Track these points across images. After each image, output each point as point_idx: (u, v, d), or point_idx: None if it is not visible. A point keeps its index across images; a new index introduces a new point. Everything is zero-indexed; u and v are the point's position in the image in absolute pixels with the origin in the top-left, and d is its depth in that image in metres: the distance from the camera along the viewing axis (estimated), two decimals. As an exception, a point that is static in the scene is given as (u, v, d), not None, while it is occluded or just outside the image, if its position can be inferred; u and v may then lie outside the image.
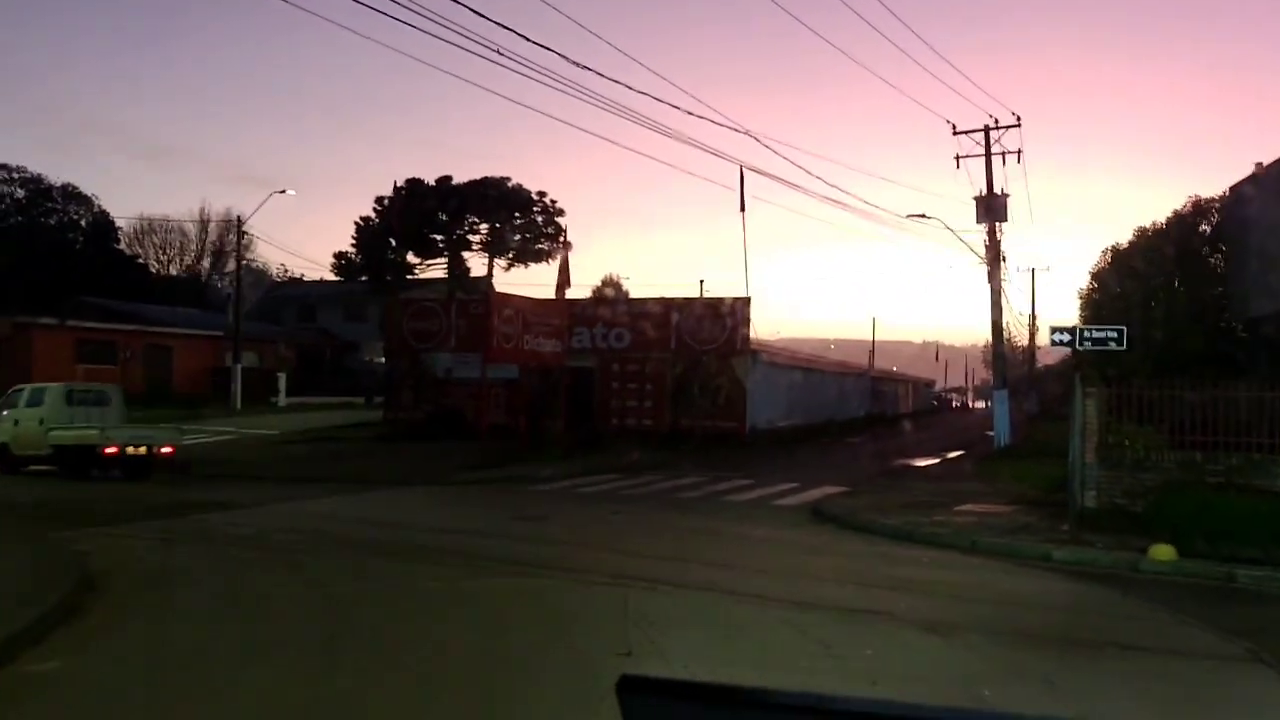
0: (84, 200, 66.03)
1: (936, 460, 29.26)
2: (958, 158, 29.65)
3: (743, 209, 32.86)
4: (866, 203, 26.89)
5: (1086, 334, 16.88)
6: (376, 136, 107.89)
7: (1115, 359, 18.97)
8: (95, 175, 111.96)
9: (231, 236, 73.20)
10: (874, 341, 72.42)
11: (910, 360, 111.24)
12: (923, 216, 28.88)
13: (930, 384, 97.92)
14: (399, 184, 61.27)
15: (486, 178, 60.86)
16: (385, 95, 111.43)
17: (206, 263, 72.52)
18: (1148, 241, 29.18)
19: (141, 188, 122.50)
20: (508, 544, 12.37)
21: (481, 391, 29.82)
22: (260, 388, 41.34)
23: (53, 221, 65.28)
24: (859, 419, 47.96)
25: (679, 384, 32.09)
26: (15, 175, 63.81)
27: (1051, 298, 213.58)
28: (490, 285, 44.36)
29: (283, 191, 40.14)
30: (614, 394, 32.37)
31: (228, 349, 42.57)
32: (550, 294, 31.29)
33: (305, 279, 70.97)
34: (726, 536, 13.67)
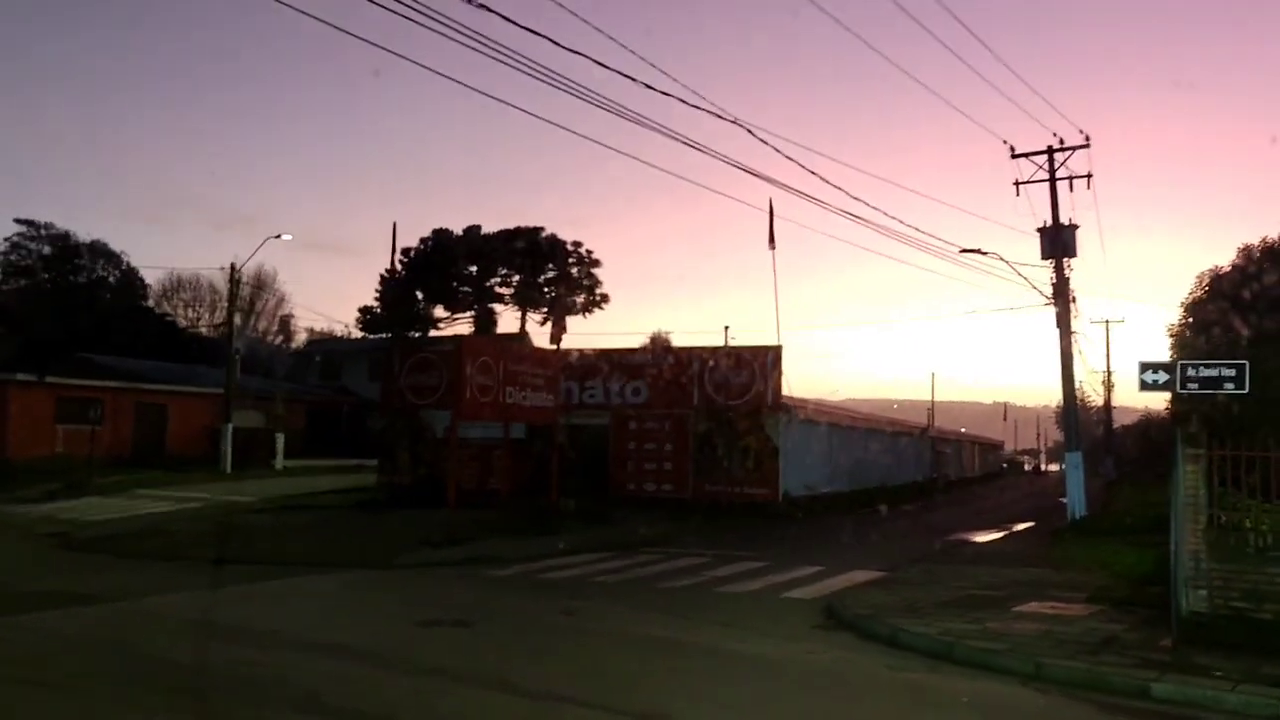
0: (112, 256, 64.84)
1: (999, 534, 25.09)
2: (1017, 184, 25.97)
3: (772, 245, 29.57)
4: (919, 230, 23.21)
5: (1192, 372, 12.84)
6: (409, 189, 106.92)
7: (1224, 410, 15.00)
8: (122, 231, 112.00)
9: (261, 292, 71.87)
10: (933, 397, 67.82)
11: (978, 421, 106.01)
12: (979, 252, 25.11)
13: (998, 446, 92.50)
14: (425, 235, 59.28)
15: (518, 227, 58.37)
16: (418, 148, 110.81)
17: (237, 319, 70.64)
18: (1258, 263, 24.22)
19: (168, 244, 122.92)
20: (382, 674, 8.83)
21: (469, 452, 26.49)
22: (263, 449, 38.44)
23: (81, 279, 64.06)
24: (916, 484, 43.62)
25: (703, 444, 28.40)
26: (43, 232, 62.81)
27: (1126, 353, 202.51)
28: (497, 331, 41.19)
29: (278, 236, 37.65)
30: (629, 455, 28.77)
31: (236, 406, 39.84)
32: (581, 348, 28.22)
33: (334, 336, 69.05)
34: (694, 656, 9.94)
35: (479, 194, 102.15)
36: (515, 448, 27.77)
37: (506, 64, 11.00)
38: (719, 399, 28.11)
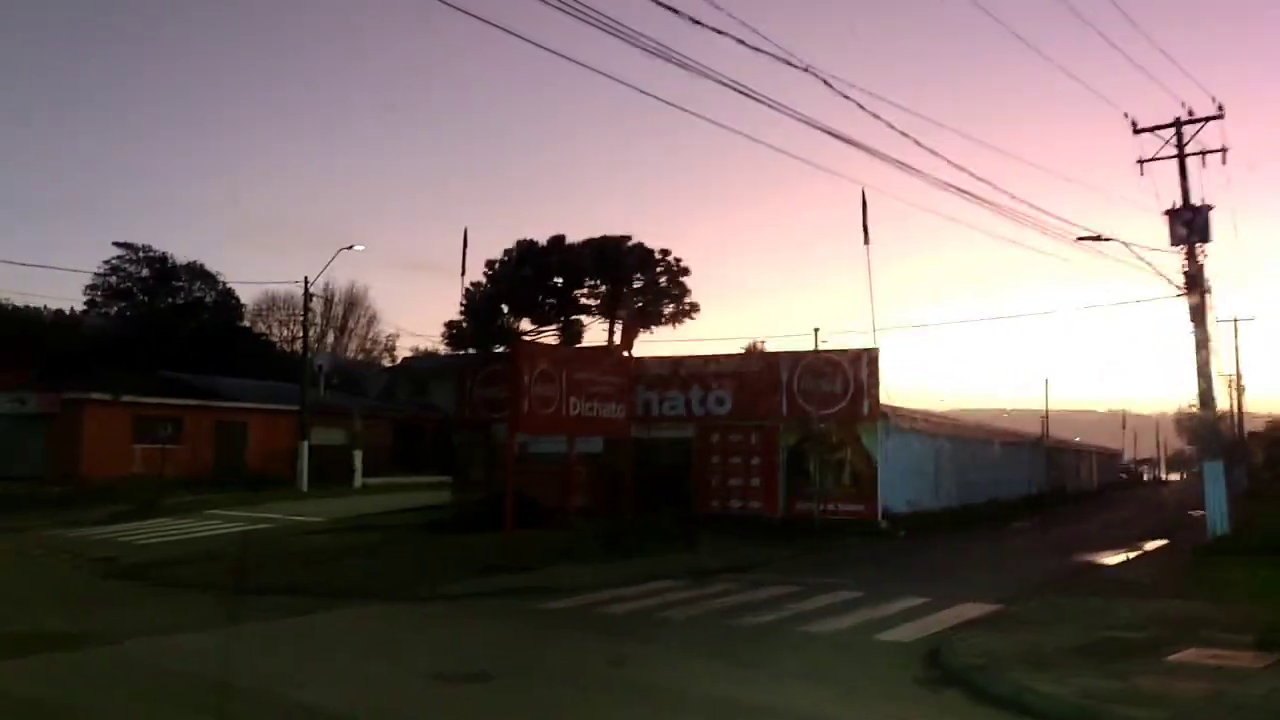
0: (209, 277, 65.53)
1: (1130, 555, 22.30)
2: (1140, 162, 23.20)
3: (866, 240, 27.25)
4: (1031, 206, 20.68)
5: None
6: (497, 203, 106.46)
7: None
8: (219, 252, 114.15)
9: (352, 310, 71.96)
10: (1046, 404, 63.99)
11: (1093, 429, 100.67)
12: (1098, 238, 22.46)
13: (1117, 455, 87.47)
14: (510, 247, 58.15)
15: (605, 236, 56.60)
16: (501, 159, 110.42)
17: (330, 338, 70.90)
18: None
19: (264, 265, 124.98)
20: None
21: (542, 469, 24.86)
22: (343, 467, 37.55)
23: (179, 300, 64.91)
24: (1030, 498, 40.47)
25: (793, 458, 26.21)
26: (142, 255, 63.77)
27: (1259, 353, 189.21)
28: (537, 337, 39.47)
29: (350, 247, 36.34)
30: (713, 470, 26.75)
31: (313, 424, 39.11)
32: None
33: (426, 354, 68.52)
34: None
35: (564, 204, 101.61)
36: (591, 464, 26.05)
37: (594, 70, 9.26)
38: (810, 408, 25.90)
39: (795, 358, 26.78)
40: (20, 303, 55.80)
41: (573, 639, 11.52)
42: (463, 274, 31.14)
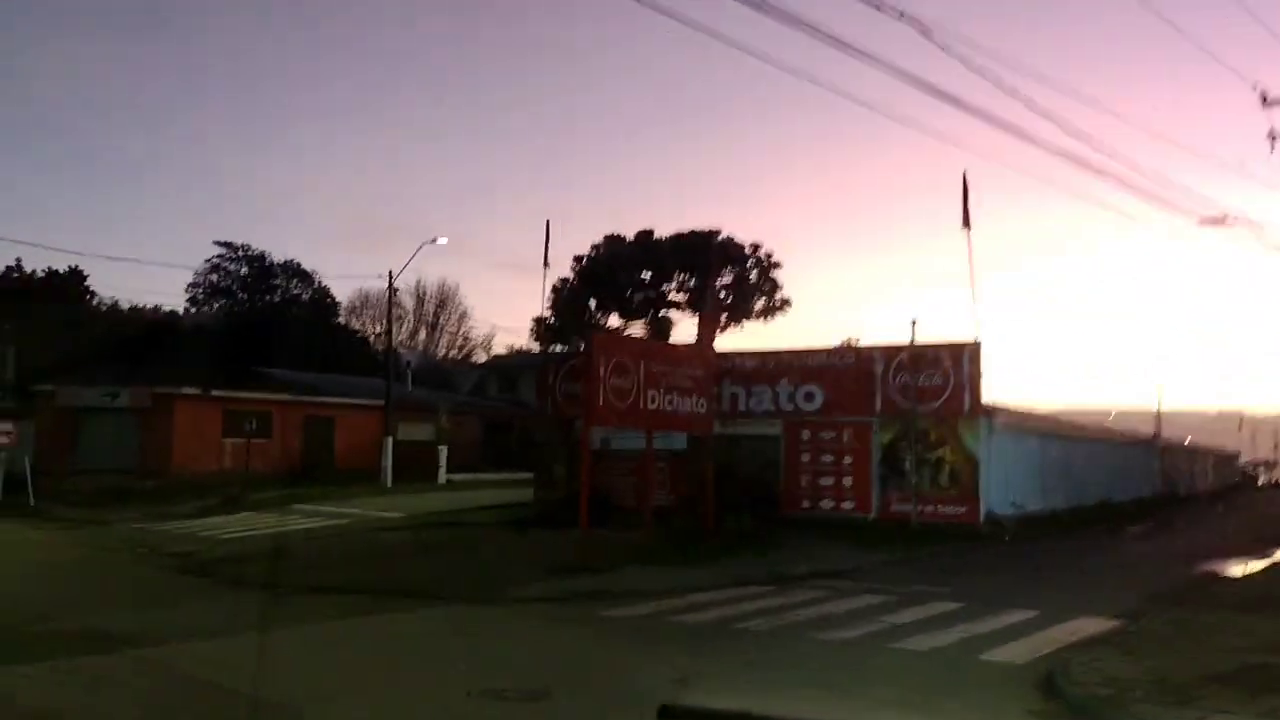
0: (305, 275, 66.45)
1: (1261, 563, 20.41)
2: (1272, 138, 21.21)
3: (967, 224, 25.68)
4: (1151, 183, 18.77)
5: None
6: (588, 196, 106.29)
7: None
8: (315, 252, 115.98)
9: (443, 307, 72.26)
10: (1159, 403, 60.73)
11: (1206, 431, 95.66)
12: (1223, 221, 20.62)
13: (1233, 457, 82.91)
14: (597, 242, 57.49)
15: (693, 231, 55.51)
16: (590, 153, 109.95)
17: (421, 335, 71.36)
18: None
19: (357, 264, 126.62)
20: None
21: (623, 466, 24.10)
22: (428, 462, 37.27)
23: (276, 297, 65.98)
24: (1143, 501, 38.12)
25: (888, 457, 24.80)
26: (241, 254, 64.95)
27: None
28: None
29: (434, 240, 35.99)
30: (803, 469, 25.49)
31: (399, 419, 38.97)
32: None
33: (519, 351, 68.35)
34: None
35: (654, 199, 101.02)
36: (674, 461, 25.07)
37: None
38: (907, 404, 24.46)
39: (891, 351, 25.32)
40: (126, 302, 57.35)
41: (640, 652, 10.53)
42: (545, 266, 30.24)
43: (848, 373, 25.41)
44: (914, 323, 25.22)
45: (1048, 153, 15.55)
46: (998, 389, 27.86)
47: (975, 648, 10.86)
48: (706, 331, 22.92)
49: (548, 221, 33.32)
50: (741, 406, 26.06)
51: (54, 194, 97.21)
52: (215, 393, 33.46)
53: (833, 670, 9.78)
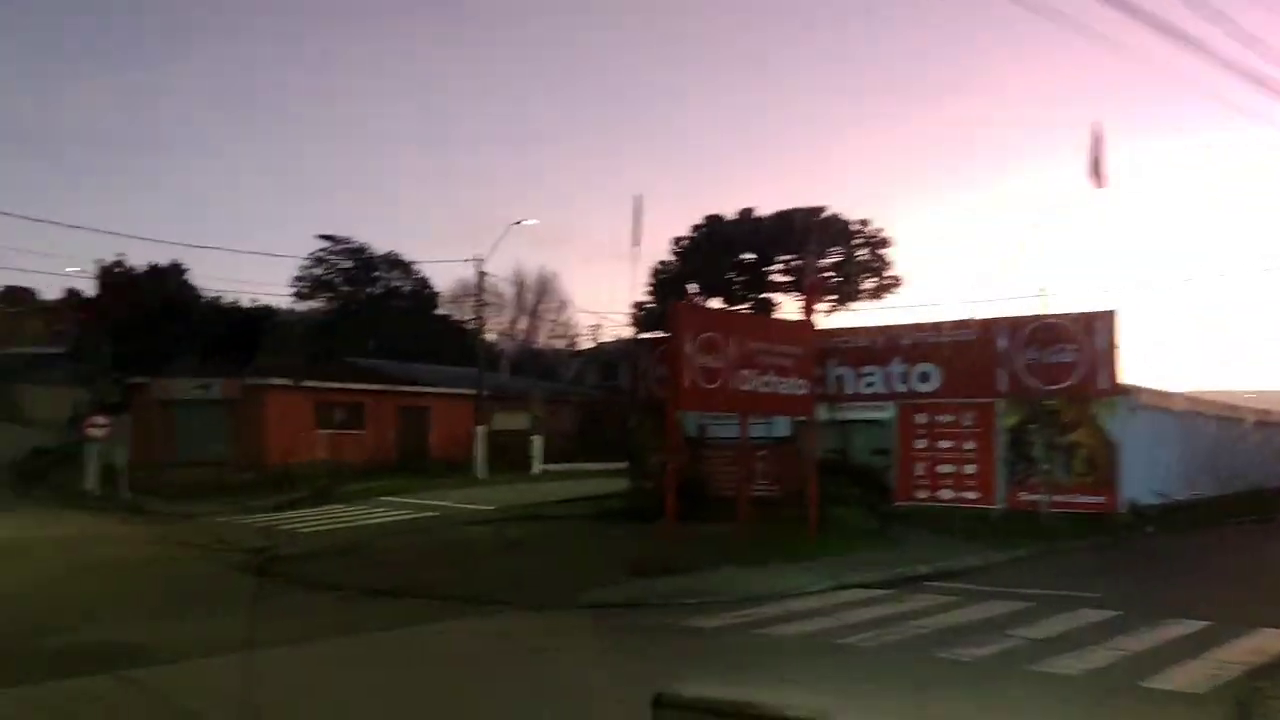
0: (405, 267, 66.31)
1: None
2: None
3: (1098, 181, 23.02)
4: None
5: None
6: (687, 176, 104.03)
7: None
8: (415, 242, 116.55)
9: (543, 295, 71.38)
10: (1313, 384, 55.83)
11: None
12: None
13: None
14: (698, 223, 55.74)
15: (797, 209, 53.42)
16: (686, 130, 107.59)
17: (522, 324, 70.61)
18: None
19: (457, 254, 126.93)
20: None
21: (720, 454, 22.47)
22: (522, 452, 36.12)
23: (378, 289, 66.06)
24: (1299, 488, 34.50)
25: (1014, 441, 22.43)
26: (343, 246, 65.10)
27: None
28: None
29: (519, 222, 34.68)
30: (918, 456, 23.30)
31: (495, 409, 37.94)
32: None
33: (621, 340, 67.04)
34: None
35: (755, 177, 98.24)
36: (775, 449, 23.27)
37: None
38: (1034, 383, 22.07)
39: (1016, 324, 22.92)
40: (227, 295, 57.88)
41: (721, 675, 8.79)
42: (635, 245, 28.58)
43: (968, 349, 23.10)
44: (1042, 292, 22.82)
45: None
46: (1129, 367, 25.05)
47: (1138, 670, 8.82)
48: (808, 304, 21.13)
49: (637, 197, 31.22)
50: (849, 389, 24.00)
51: (161, 188, 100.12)
52: (307, 383, 32.81)
53: (962, 701, 7.93)
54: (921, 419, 23.39)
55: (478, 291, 34.32)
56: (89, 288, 49.18)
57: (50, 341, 65.47)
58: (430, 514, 24.19)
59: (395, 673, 8.96)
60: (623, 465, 31.69)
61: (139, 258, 54.09)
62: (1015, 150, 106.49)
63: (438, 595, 12.94)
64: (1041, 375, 22.03)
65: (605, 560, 15.34)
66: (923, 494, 23.11)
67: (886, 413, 23.95)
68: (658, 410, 25.55)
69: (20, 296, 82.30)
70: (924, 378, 23.50)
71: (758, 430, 22.68)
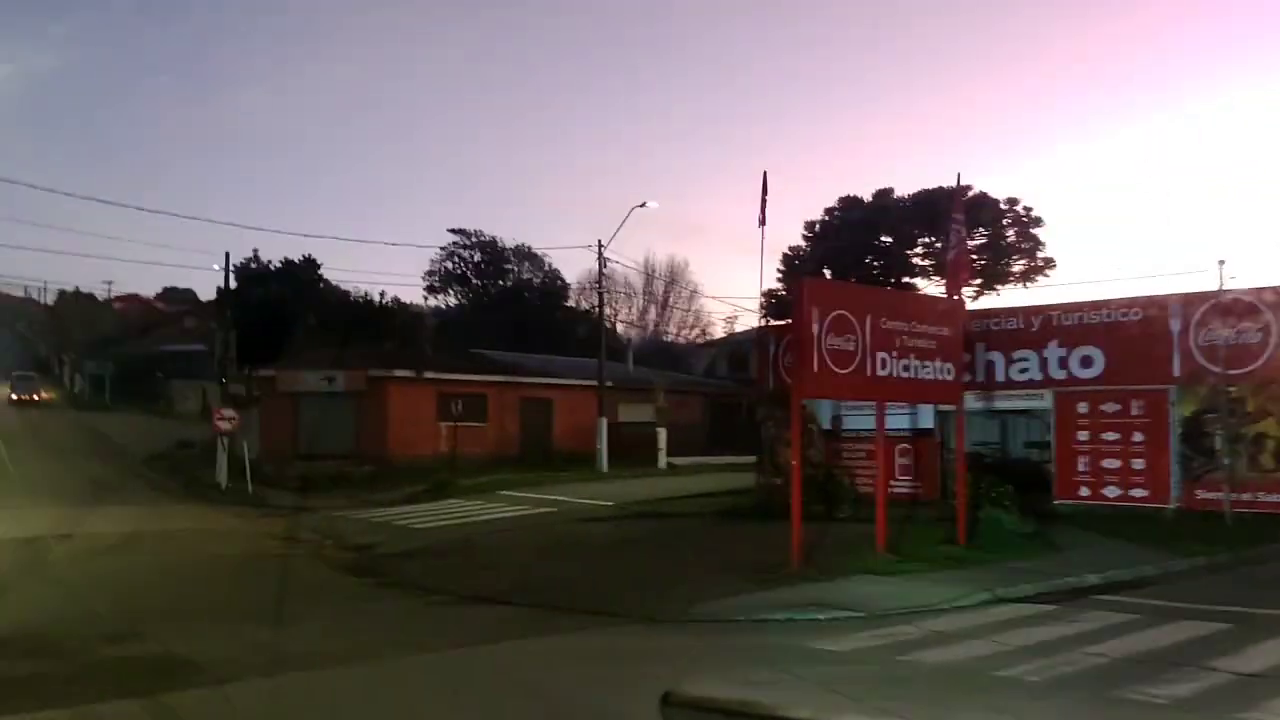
0: (535, 259, 66.14)
1: None
2: None
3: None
4: None
5: None
6: (821, 158, 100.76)
7: None
8: (544, 234, 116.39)
9: (673, 285, 70.04)
10: None
11: None
12: None
13: None
14: (831, 205, 53.32)
15: (937, 187, 50.61)
16: (823, 109, 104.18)
17: (651, 314, 69.55)
18: None
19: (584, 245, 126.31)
20: None
21: (856, 447, 20.80)
22: (648, 445, 34.88)
23: (508, 282, 66.05)
24: None
25: (1191, 433, 19.90)
26: (474, 240, 65.35)
27: None
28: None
29: (642, 205, 33.28)
30: (1079, 450, 20.96)
31: (618, 400, 36.86)
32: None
33: (755, 329, 65.25)
34: None
35: (891, 157, 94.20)
36: (918, 442, 21.38)
37: None
38: (1214, 366, 19.49)
39: (1191, 300, 20.34)
40: (358, 288, 58.58)
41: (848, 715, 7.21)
42: (762, 224, 26.77)
43: (1136, 330, 20.62)
44: (1222, 264, 20.16)
45: None
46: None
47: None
48: (952, 283, 19.23)
49: (765, 173, 29.38)
50: (1000, 375, 21.80)
51: (296, 186, 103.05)
52: (428, 375, 32.31)
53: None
54: (1083, 408, 21.02)
55: (599, 278, 33.08)
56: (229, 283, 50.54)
57: (203, 338, 67.91)
58: (547, 509, 23.14)
59: (447, 706, 7.69)
60: (750, 459, 30.14)
61: (278, 252, 55.22)
62: (1178, 110, 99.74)
63: (538, 603, 11.72)
64: (1222, 358, 19.44)
65: (727, 563, 13.86)
66: (1084, 491, 20.76)
67: (1042, 402, 21.69)
68: (787, 401, 23.94)
69: (179, 295, 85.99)
70: (1085, 362, 21.13)
71: (897, 421, 20.91)
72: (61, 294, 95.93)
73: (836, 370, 13.59)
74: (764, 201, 28.38)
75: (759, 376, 26.89)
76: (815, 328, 13.40)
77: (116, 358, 69.51)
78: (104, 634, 9.94)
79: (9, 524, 20.42)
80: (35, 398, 60.94)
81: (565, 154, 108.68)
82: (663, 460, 34.03)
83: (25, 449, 40.56)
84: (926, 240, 50.19)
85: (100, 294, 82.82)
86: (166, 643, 9.48)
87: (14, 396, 59.13)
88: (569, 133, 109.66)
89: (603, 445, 32.10)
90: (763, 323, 54.28)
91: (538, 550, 16.70)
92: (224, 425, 28.71)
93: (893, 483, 21.10)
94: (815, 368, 13.38)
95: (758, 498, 22.31)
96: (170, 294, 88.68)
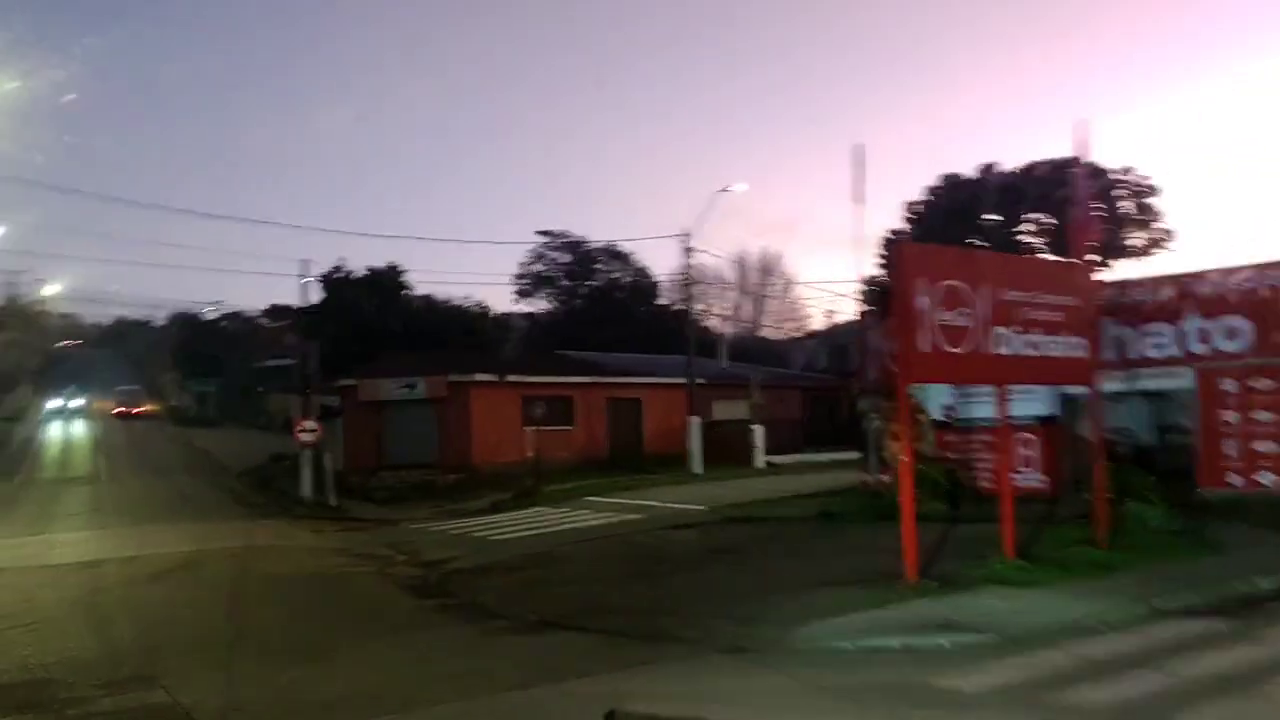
0: (623, 258, 64.69)
1: None
2: None
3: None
4: None
5: None
6: (918, 136, 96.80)
7: None
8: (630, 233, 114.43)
9: (767, 278, 68.01)
10: None
11: None
12: None
13: None
14: (931, 185, 50.66)
15: (1046, 160, 47.58)
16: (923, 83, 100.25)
17: (746, 308, 67.55)
18: None
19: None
20: None
21: (974, 439, 18.91)
22: (746, 444, 33.14)
23: (598, 282, 64.80)
24: None
25: (1362, 410, 17.37)
26: (560, 241, 64.21)
27: None
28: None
29: (726, 189, 31.49)
30: (1228, 433, 18.54)
31: (710, 398, 35.21)
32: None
33: (849, 321, 62.76)
34: None
35: (991, 131, 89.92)
36: (1045, 430, 19.26)
37: None
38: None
39: (1356, 259, 17.83)
40: (443, 295, 58.01)
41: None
42: (859, 201, 24.78)
43: (1285, 297, 18.17)
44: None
45: None
46: None
47: None
48: (1079, 244, 17.15)
49: (859, 146, 27.20)
50: (1131, 351, 19.52)
51: (382, 198, 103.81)
52: (510, 378, 31.15)
53: None
54: (1229, 386, 18.58)
55: (686, 267, 31.40)
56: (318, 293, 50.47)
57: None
58: (635, 516, 21.62)
59: None
60: (853, 456, 28.16)
61: (365, 260, 54.97)
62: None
63: (613, 628, 10.19)
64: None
65: (830, 575, 12.13)
66: (1236, 479, 18.33)
67: (1176, 381, 19.31)
68: (892, 391, 22.01)
69: (282, 312, 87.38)
70: (1230, 334, 18.68)
71: (1017, 408, 18.92)
72: (174, 315, 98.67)
73: (949, 350, 11.72)
74: (860, 176, 26.35)
75: (861, 367, 24.96)
76: (922, 301, 11.56)
77: (220, 374, 70.84)
78: (113, 679, 8.76)
79: (81, 546, 19.83)
80: (135, 411, 65.21)
81: (648, 149, 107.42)
82: (760, 459, 32.23)
83: (126, 464, 40.93)
84: (1035, 217, 47.30)
85: (209, 313, 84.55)
86: (176, 688, 8.22)
87: (116, 410, 63.77)
88: (652, 126, 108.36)
89: (695, 445, 30.43)
90: (863, 311, 51.89)
91: (619, 562, 15.19)
92: (305, 437, 27.99)
93: (1014, 476, 19.14)
94: (924, 348, 11.54)
95: (861, 498, 20.44)
96: (275, 311, 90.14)
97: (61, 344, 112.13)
